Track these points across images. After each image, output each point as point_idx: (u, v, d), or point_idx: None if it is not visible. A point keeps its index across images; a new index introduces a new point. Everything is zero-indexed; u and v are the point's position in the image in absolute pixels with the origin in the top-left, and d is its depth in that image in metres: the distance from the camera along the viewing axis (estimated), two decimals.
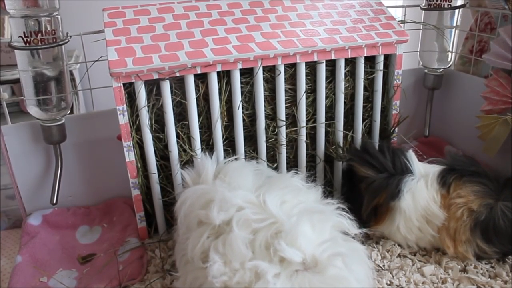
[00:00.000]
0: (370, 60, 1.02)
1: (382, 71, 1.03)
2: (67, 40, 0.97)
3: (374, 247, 0.94)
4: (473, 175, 0.89)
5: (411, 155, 0.94)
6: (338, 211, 0.76)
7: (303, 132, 1.01)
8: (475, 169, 0.90)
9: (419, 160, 0.95)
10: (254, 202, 0.73)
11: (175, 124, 0.93)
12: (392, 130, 1.07)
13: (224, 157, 0.96)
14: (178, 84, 0.92)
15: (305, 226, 0.69)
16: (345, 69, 1.00)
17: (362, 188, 0.92)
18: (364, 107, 1.04)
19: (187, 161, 0.95)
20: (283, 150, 1.01)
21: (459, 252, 0.87)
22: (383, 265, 0.89)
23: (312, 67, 0.99)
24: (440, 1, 1.17)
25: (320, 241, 0.67)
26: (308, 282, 0.63)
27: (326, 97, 1.01)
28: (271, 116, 0.99)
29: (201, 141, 0.96)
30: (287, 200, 0.75)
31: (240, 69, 0.92)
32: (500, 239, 0.85)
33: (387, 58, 1.03)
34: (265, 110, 0.97)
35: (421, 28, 1.23)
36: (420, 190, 0.89)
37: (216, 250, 0.68)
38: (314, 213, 0.72)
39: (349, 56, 0.98)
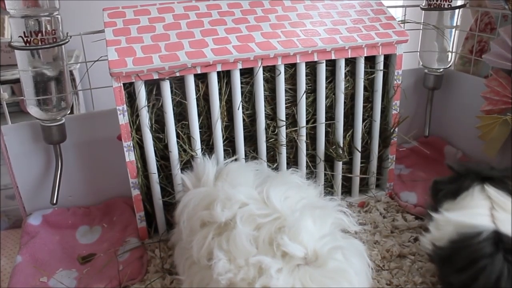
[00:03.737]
0: (370, 60, 1.02)
1: (382, 71, 1.03)
2: (67, 40, 0.97)
3: (374, 247, 0.94)
4: None
5: None
6: (339, 207, 0.76)
7: (303, 132, 1.01)
8: None
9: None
10: (257, 198, 0.73)
11: (175, 124, 0.93)
12: (392, 130, 1.07)
13: (224, 158, 0.96)
14: (178, 84, 0.92)
15: (307, 221, 0.69)
16: (345, 69, 1.00)
17: None
18: (364, 107, 1.04)
19: (187, 161, 0.95)
20: (283, 150, 1.01)
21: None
22: (383, 265, 0.89)
23: (312, 67, 0.99)
24: (440, 1, 1.17)
25: (320, 236, 0.68)
26: (309, 276, 0.64)
27: (326, 97, 1.01)
28: (271, 116, 0.99)
29: (201, 141, 0.96)
30: (290, 196, 0.75)
31: (240, 69, 0.92)
32: None
33: (387, 58, 1.03)
34: (265, 110, 0.97)
35: (421, 28, 1.23)
36: None
37: (220, 247, 0.68)
38: (316, 209, 0.72)
39: (349, 56, 0.98)
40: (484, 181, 0.80)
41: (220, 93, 0.94)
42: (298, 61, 0.95)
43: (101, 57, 1.01)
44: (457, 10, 1.19)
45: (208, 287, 0.70)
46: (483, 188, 0.79)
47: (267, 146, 1.00)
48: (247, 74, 0.95)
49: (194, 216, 0.76)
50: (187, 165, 0.95)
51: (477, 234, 0.71)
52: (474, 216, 0.75)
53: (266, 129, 0.98)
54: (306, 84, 0.99)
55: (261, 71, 0.93)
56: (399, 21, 1.05)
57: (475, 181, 0.81)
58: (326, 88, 1.00)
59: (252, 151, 1.00)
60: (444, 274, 0.75)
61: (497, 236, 0.71)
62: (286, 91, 0.98)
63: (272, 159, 1.02)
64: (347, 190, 1.12)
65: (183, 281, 0.77)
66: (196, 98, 0.92)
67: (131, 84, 0.89)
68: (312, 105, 1.01)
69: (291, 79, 0.98)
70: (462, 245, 0.72)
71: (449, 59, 1.24)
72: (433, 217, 0.80)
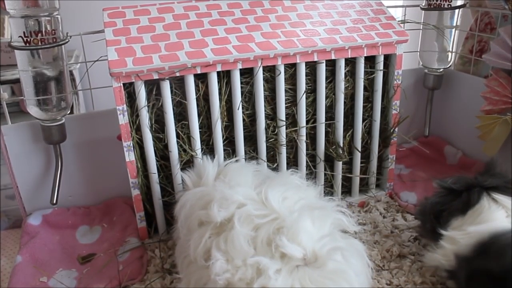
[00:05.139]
0: (370, 60, 1.02)
1: (382, 71, 1.03)
2: (67, 40, 0.97)
3: (374, 247, 0.94)
4: None
5: None
6: (338, 208, 0.76)
7: (303, 132, 1.01)
8: None
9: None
10: (255, 199, 0.73)
11: (175, 124, 0.93)
12: (392, 130, 1.07)
13: (225, 158, 0.96)
14: (178, 84, 0.92)
15: (306, 221, 0.69)
16: (345, 69, 1.00)
17: None
18: (364, 107, 1.04)
19: (187, 161, 0.95)
20: (283, 150, 1.01)
21: None
22: (383, 265, 0.89)
23: (312, 67, 0.99)
24: (440, 1, 1.17)
25: (319, 236, 0.68)
26: (308, 277, 0.64)
27: (326, 97, 1.01)
28: (271, 116, 0.99)
29: (201, 141, 0.96)
30: (288, 197, 0.75)
31: (240, 69, 0.92)
32: None
33: (387, 58, 1.03)
34: (265, 110, 0.97)
35: (421, 28, 1.23)
36: None
37: (218, 248, 0.68)
38: (315, 209, 0.72)
39: (349, 56, 0.98)
40: (489, 191, 0.81)
41: (220, 93, 0.94)
42: (298, 61, 0.95)
43: (101, 57, 1.02)
44: (457, 10, 1.19)
45: (206, 287, 0.70)
46: (493, 198, 0.80)
47: (267, 146, 1.00)
48: (247, 74, 0.95)
49: (191, 216, 0.76)
50: (187, 165, 0.95)
51: (508, 231, 0.73)
52: (496, 224, 0.77)
53: (266, 129, 0.98)
54: (306, 84, 0.99)
55: (261, 71, 0.93)
56: (399, 21, 1.05)
57: (482, 193, 0.81)
58: (326, 88, 1.00)
59: (252, 151, 1.00)
60: (484, 274, 0.73)
61: None
62: (286, 91, 0.98)
63: (272, 159, 1.02)
64: (347, 190, 1.12)
65: (181, 279, 0.77)
66: (196, 98, 0.92)
67: (131, 84, 0.89)
68: (312, 105, 1.01)
69: (291, 79, 0.98)
70: (500, 239, 0.72)
71: (449, 59, 1.24)
72: (444, 234, 0.80)
